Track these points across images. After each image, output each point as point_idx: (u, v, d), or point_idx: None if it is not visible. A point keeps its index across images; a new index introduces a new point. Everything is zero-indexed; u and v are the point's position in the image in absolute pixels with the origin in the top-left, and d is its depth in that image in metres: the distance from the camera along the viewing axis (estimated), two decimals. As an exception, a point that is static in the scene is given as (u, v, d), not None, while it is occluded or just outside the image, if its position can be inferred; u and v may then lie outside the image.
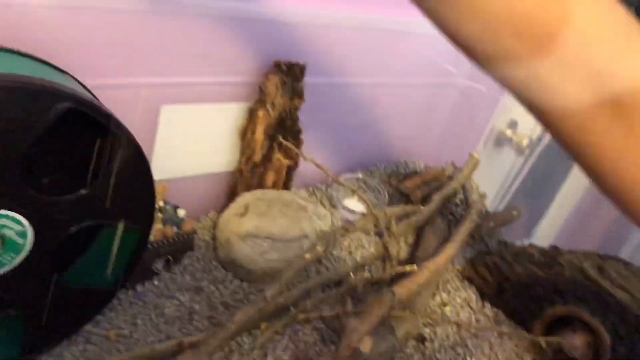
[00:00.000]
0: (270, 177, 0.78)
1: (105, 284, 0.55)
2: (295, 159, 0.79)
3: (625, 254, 1.23)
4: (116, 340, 0.56)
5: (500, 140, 1.06)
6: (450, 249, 0.72)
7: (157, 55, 0.62)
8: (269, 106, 0.72)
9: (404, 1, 0.32)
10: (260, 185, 0.77)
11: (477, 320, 0.73)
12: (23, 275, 0.46)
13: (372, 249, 0.79)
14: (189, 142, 0.72)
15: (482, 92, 1.00)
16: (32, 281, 0.48)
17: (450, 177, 0.93)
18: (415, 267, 0.62)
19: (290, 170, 0.80)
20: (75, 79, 0.53)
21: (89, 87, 0.55)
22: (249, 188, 0.77)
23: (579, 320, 0.67)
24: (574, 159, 0.33)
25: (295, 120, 0.76)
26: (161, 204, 0.65)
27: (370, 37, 0.83)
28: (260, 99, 0.72)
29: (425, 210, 0.81)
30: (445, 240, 0.77)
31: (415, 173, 0.97)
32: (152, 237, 0.61)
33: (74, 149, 0.49)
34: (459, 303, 0.75)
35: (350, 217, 0.83)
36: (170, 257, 0.65)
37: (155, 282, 0.64)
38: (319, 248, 0.64)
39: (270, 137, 0.74)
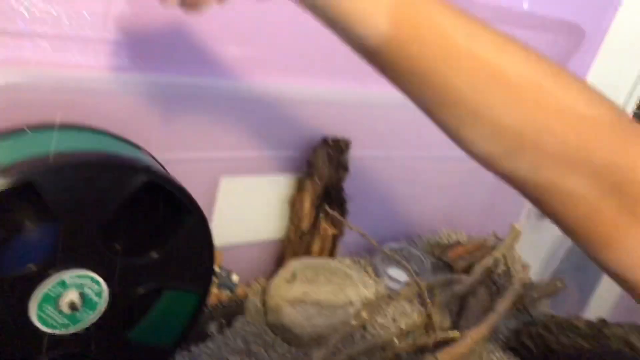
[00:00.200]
0: (316, 245, 0.81)
1: (164, 343, 0.59)
2: (340, 228, 0.82)
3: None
4: (172, 398, 0.59)
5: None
6: (493, 318, 0.73)
7: (219, 132, 0.69)
8: (316, 178, 0.77)
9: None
10: (307, 252, 0.81)
11: (523, 393, 0.73)
12: (98, 332, 0.51)
13: (415, 317, 0.80)
14: (243, 211, 0.77)
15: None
16: (105, 338, 0.52)
17: (493, 248, 0.94)
18: (457, 333, 0.64)
19: (336, 238, 0.83)
20: (149, 154, 0.60)
21: (159, 160, 0.61)
22: (296, 255, 0.80)
23: (627, 394, 0.66)
24: None
25: (340, 191, 0.80)
26: (217, 269, 0.70)
27: (411, 113, 0.88)
28: (308, 171, 0.78)
29: (467, 280, 0.83)
30: (487, 310, 0.78)
31: (458, 243, 0.99)
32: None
33: (145, 216, 0.54)
34: (504, 374, 0.74)
35: (394, 285, 0.85)
36: (223, 321, 0.69)
37: (209, 344, 0.67)
38: (364, 314, 0.66)
39: (317, 207, 0.79)
